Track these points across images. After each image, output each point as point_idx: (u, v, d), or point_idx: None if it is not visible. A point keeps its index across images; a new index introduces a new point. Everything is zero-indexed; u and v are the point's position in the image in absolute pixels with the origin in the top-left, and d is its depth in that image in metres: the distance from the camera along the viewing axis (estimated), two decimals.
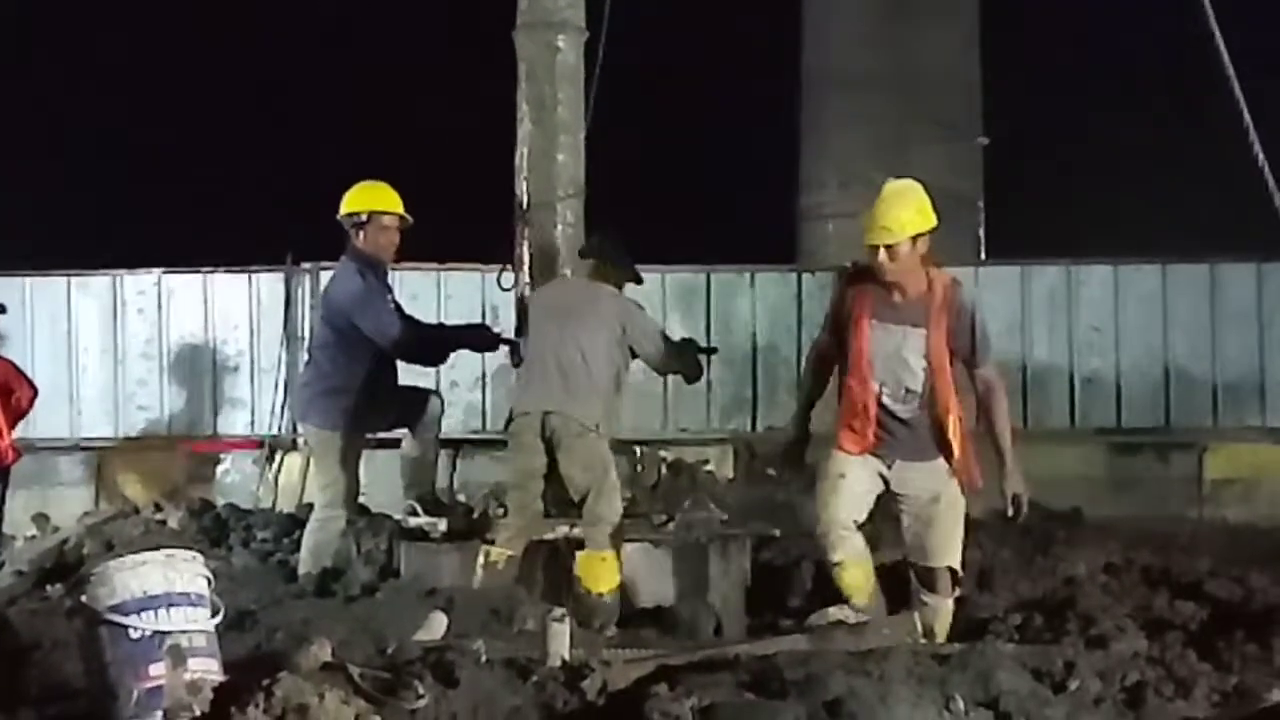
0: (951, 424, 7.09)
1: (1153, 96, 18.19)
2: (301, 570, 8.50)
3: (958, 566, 7.18)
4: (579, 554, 7.75)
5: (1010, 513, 7.21)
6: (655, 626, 7.66)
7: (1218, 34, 7.58)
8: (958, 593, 7.21)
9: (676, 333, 9.31)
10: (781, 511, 9.22)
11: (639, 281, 8.38)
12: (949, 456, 7.14)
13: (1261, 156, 7.63)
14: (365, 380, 8.43)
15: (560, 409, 7.80)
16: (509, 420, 8.04)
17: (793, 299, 12.73)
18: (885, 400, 7.04)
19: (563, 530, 8.02)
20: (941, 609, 7.09)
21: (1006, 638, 6.78)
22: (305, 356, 9.65)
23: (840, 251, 14.45)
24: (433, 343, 8.73)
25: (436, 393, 9.18)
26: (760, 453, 11.90)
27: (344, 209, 8.54)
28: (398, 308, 8.68)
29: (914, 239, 6.92)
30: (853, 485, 7.05)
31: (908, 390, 7.04)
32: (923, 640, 6.37)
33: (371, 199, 8.53)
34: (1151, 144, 17.79)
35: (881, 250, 6.94)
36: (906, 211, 6.95)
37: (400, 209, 8.57)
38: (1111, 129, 18.49)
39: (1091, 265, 12.55)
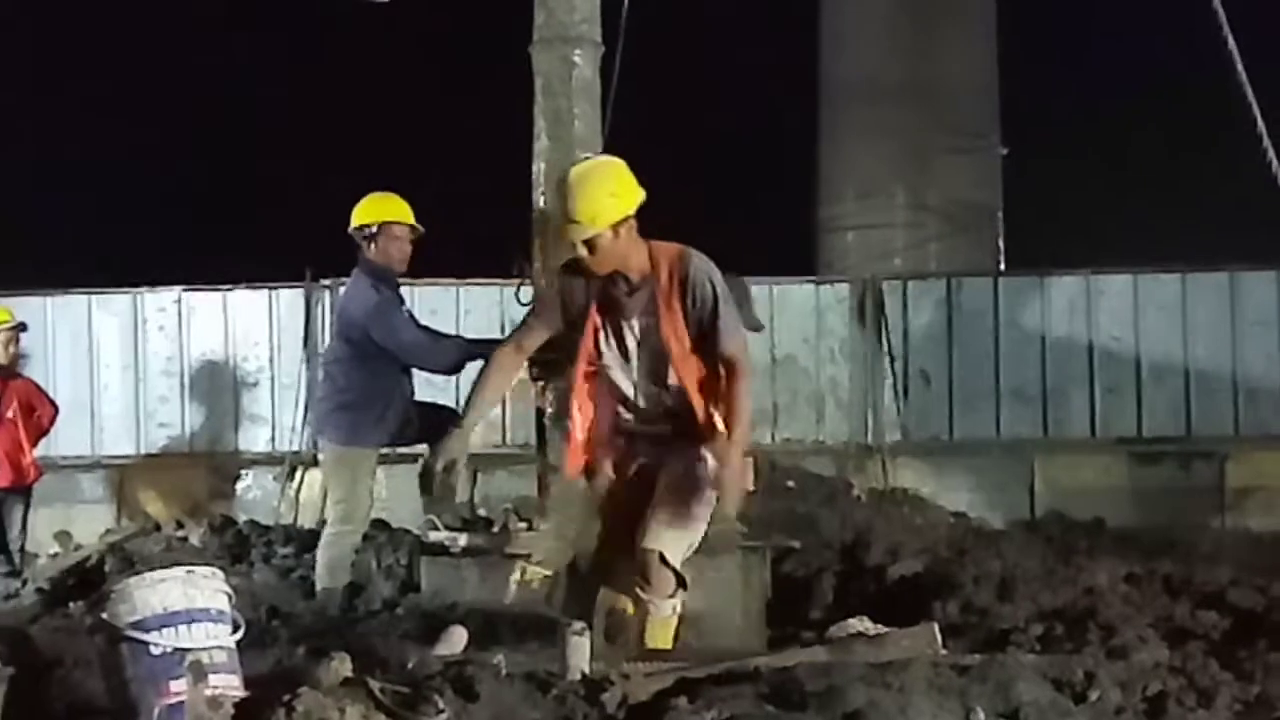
0: (708, 416, 6.20)
1: (1172, 104, 18.17)
2: (319, 586, 8.51)
3: (676, 564, 6.23)
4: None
5: (726, 509, 6.32)
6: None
7: (1231, 42, 7.57)
8: (678, 599, 6.32)
9: None
10: (801, 523, 9.23)
11: (758, 329, 8.13)
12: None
13: (1276, 164, 7.61)
14: (380, 395, 8.43)
15: None
16: None
17: (811, 311, 12.72)
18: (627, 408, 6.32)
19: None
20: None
21: (1027, 648, 6.75)
22: (321, 373, 9.67)
23: (860, 263, 14.49)
24: (448, 350, 8.73)
25: (455, 410, 9.17)
26: (780, 465, 11.89)
27: (354, 221, 8.56)
28: (412, 318, 8.70)
29: (615, 227, 6.03)
30: None
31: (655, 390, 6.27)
32: (943, 652, 6.36)
33: (381, 210, 8.55)
34: (1171, 152, 17.77)
35: (580, 246, 6.05)
36: (599, 199, 6.02)
37: (411, 218, 8.59)
38: (1130, 138, 18.48)
39: (1111, 275, 12.53)
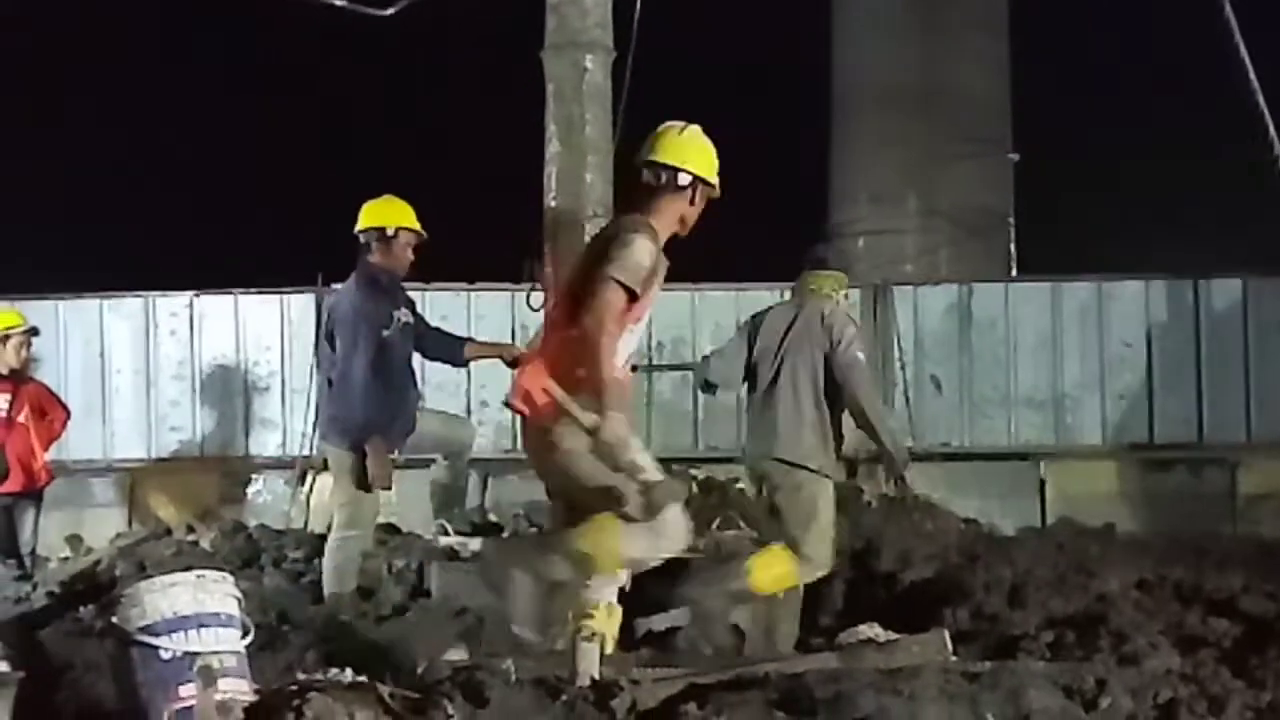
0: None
1: (1184, 108, 18.15)
2: (327, 591, 8.49)
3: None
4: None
5: None
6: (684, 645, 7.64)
7: (1243, 49, 7.56)
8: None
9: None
10: None
11: None
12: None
13: None
14: (382, 398, 8.41)
15: None
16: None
17: None
18: None
19: None
20: None
21: (1038, 655, 6.74)
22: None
23: (871, 268, 14.48)
24: (444, 339, 8.71)
25: (469, 420, 9.20)
26: None
27: (368, 223, 8.54)
28: (423, 321, 8.71)
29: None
30: None
31: None
32: (953, 659, 6.34)
33: (397, 214, 8.55)
34: (1184, 157, 17.75)
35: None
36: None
37: (418, 225, 8.62)
38: (1143, 143, 18.45)
39: (1123, 281, 12.52)
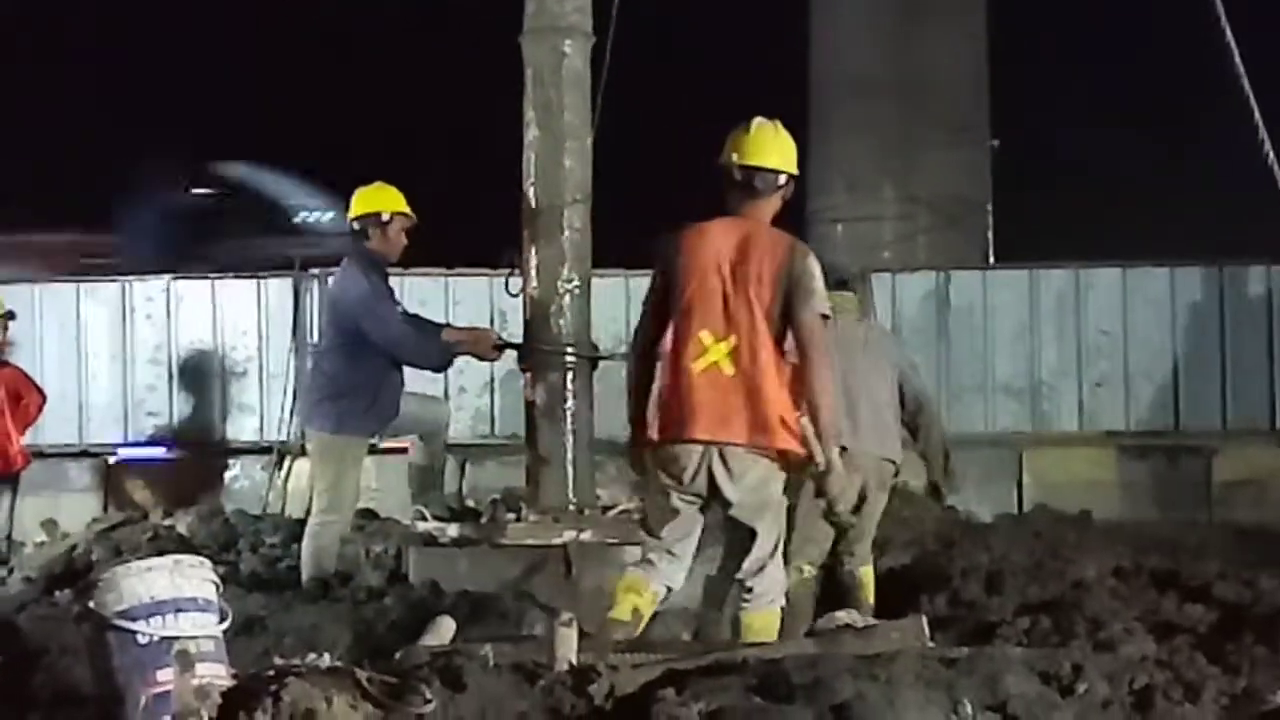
0: None
1: (1162, 97, 18.20)
2: (304, 576, 8.51)
3: None
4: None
5: None
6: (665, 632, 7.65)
7: (1229, 32, 7.57)
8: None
9: None
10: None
11: None
12: None
13: (1272, 156, 7.62)
14: (369, 384, 8.44)
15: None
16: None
17: None
18: None
19: (571, 534, 8.03)
20: None
21: (1015, 641, 6.76)
22: (310, 361, 9.67)
23: (849, 256, 14.48)
24: (434, 346, 8.73)
25: (443, 400, 9.21)
26: None
27: (363, 209, 8.57)
28: (404, 312, 8.71)
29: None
30: None
31: None
32: (931, 645, 6.36)
33: (389, 200, 8.59)
34: (1161, 145, 17.80)
35: None
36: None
37: (409, 210, 8.64)
38: (1120, 130, 18.50)
39: (1100, 268, 12.54)
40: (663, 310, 6.38)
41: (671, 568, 6.43)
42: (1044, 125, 18.35)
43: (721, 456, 6.23)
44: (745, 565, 6.41)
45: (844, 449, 6.72)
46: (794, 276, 6.26)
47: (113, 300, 12.65)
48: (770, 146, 6.46)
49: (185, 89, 19.33)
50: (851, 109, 15.75)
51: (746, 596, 6.43)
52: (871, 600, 7.77)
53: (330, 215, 17.06)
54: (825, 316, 6.34)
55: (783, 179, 6.46)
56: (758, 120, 6.49)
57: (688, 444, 6.25)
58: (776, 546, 6.46)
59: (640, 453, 6.56)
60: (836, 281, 8.00)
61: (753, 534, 6.36)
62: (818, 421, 6.27)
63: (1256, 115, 7.59)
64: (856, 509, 7.70)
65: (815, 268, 6.31)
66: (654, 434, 6.34)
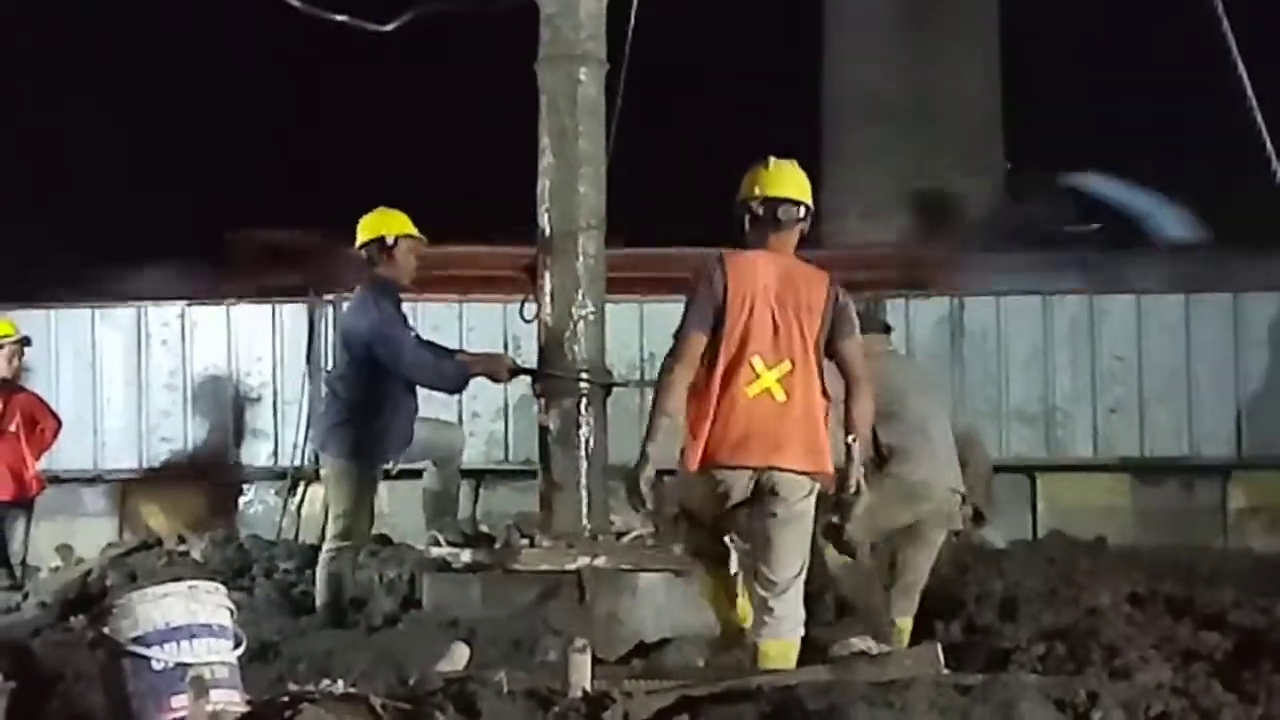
0: None
1: (1176, 123, 18.20)
2: (319, 602, 8.51)
3: None
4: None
5: None
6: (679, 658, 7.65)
7: (1241, 66, 7.58)
8: None
9: None
10: None
11: None
12: None
13: None
14: (384, 410, 8.45)
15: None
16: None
17: None
18: None
19: (585, 560, 8.03)
20: None
21: (1030, 668, 6.75)
22: (324, 387, 9.68)
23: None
24: (450, 370, 8.75)
25: (458, 425, 9.22)
26: None
27: (368, 234, 8.59)
28: (417, 336, 8.73)
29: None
30: None
31: None
32: (945, 672, 6.35)
33: (396, 223, 8.61)
34: (1175, 172, 17.78)
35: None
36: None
37: (417, 231, 8.67)
38: (1133, 156, 18.49)
39: (1114, 295, 12.53)
40: (704, 333, 6.42)
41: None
42: (1058, 149, 18.34)
43: (772, 480, 6.36)
44: (772, 585, 6.44)
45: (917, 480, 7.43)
46: (839, 308, 6.51)
47: (128, 326, 12.67)
48: (790, 180, 6.63)
49: None
50: (865, 136, 15.80)
51: (767, 620, 6.44)
52: None
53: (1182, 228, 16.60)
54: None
55: (802, 211, 6.62)
56: (773, 158, 6.66)
57: (739, 469, 6.38)
58: (802, 570, 6.52)
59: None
60: (883, 325, 8.16)
61: (782, 555, 6.43)
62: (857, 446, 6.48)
63: (1269, 147, 7.58)
64: (911, 543, 7.81)
65: (852, 302, 6.61)
66: (698, 458, 6.39)
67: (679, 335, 6.46)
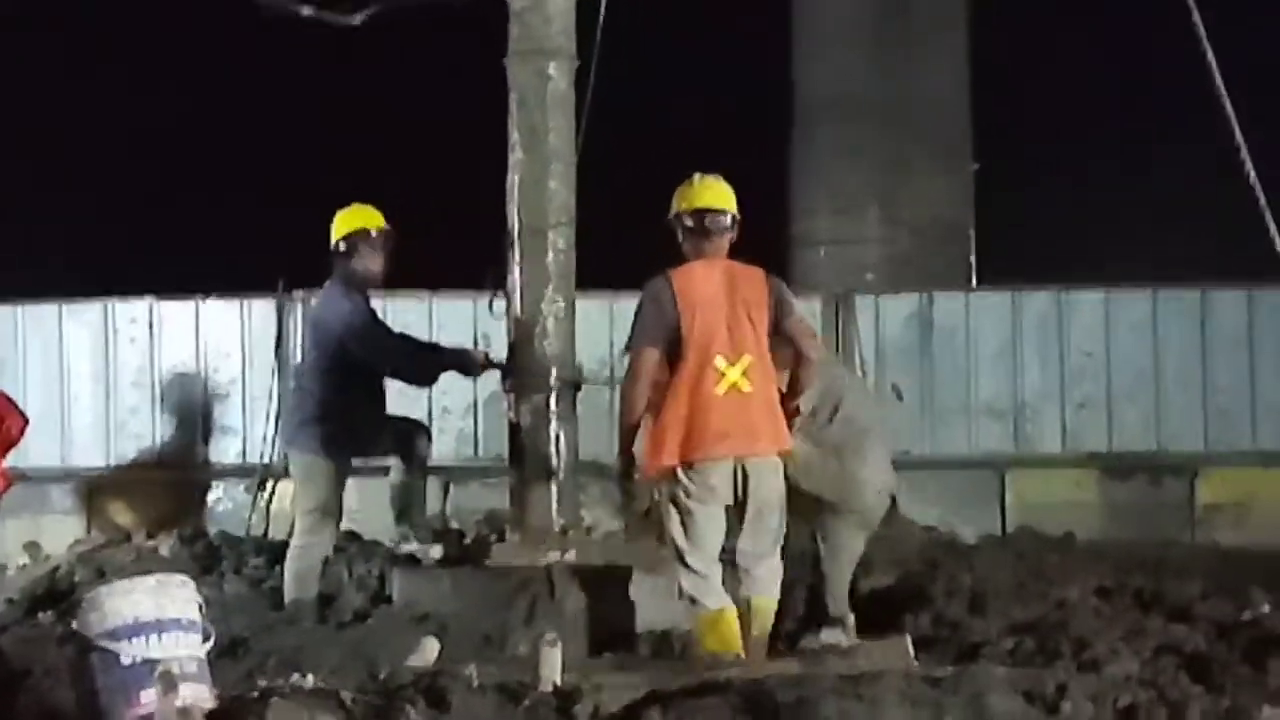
0: None
1: (1145, 120, 18.25)
2: (287, 598, 8.50)
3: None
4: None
5: None
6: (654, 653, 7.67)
7: (1210, 55, 7.60)
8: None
9: None
10: None
11: None
12: None
13: (1255, 179, 7.64)
14: (352, 406, 8.45)
15: None
16: None
17: None
18: None
19: (555, 556, 8.03)
20: None
21: (999, 661, 6.77)
22: (293, 383, 9.66)
23: (833, 278, 14.51)
24: (424, 362, 8.75)
25: (422, 423, 9.23)
26: None
27: (342, 230, 8.58)
28: (387, 330, 8.73)
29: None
30: None
31: None
32: (915, 664, 6.37)
33: (369, 219, 8.61)
34: (1144, 168, 17.85)
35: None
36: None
37: (388, 227, 8.66)
38: (1102, 153, 18.55)
39: (1082, 291, 12.57)
40: (656, 348, 7.05)
41: (719, 574, 7.12)
42: (1027, 148, 18.38)
43: (750, 466, 7.02)
44: (756, 552, 7.12)
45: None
46: (777, 295, 7.18)
47: (95, 322, 12.60)
48: (715, 191, 7.33)
49: None
50: (835, 132, 15.78)
51: (751, 582, 7.11)
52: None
53: None
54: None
55: (729, 219, 7.29)
56: (699, 174, 7.40)
57: (720, 461, 7.00)
58: (779, 538, 7.20)
59: (649, 478, 7.20)
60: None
61: (766, 526, 7.11)
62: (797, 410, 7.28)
63: (1239, 137, 7.61)
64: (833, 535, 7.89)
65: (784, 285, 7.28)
66: (675, 458, 6.99)
67: (631, 351, 7.15)
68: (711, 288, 7.07)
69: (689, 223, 7.25)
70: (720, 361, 6.97)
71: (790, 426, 7.21)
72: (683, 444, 6.97)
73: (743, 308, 7.05)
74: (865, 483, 7.77)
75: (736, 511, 7.10)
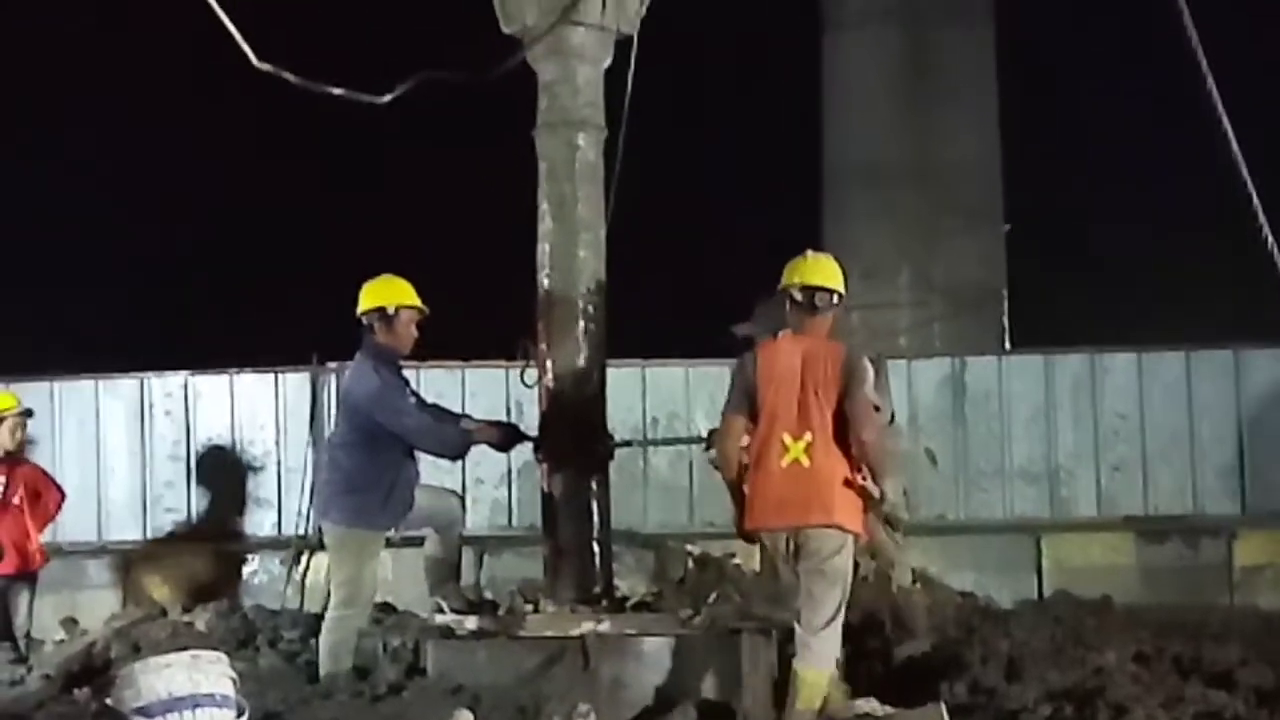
0: None
1: (1175, 180, 18.24)
2: (322, 671, 8.48)
3: None
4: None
5: None
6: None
7: (1226, 123, 7.61)
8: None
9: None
10: None
11: None
12: None
13: (1271, 239, 7.64)
14: (386, 478, 8.45)
15: None
16: None
17: None
18: None
19: (589, 626, 8.00)
20: None
21: None
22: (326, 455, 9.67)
23: (864, 342, 14.51)
24: (452, 437, 8.74)
25: (457, 493, 9.23)
26: None
27: (368, 304, 8.59)
28: (420, 400, 8.74)
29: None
30: None
31: None
32: None
33: (396, 293, 8.60)
34: (1175, 229, 17.82)
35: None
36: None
37: (419, 302, 8.66)
38: (1134, 214, 18.54)
39: (1116, 353, 12.55)
40: (740, 414, 7.44)
41: None
42: (1059, 211, 18.39)
43: (805, 537, 7.25)
44: (809, 623, 7.23)
45: None
46: (849, 369, 7.32)
47: (131, 396, 12.70)
48: (825, 270, 7.55)
49: None
50: (865, 197, 15.85)
51: (805, 653, 7.22)
52: None
53: None
54: (876, 408, 7.39)
55: (836, 298, 7.52)
56: (811, 251, 7.63)
57: (777, 530, 7.34)
58: (838, 613, 7.27)
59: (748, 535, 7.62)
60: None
61: (815, 600, 7.25)
62: (876, 482, 7.33)
63: (1255, 201, 7.60)
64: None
65: (867, 363, 7.39)
66: (751, 523, 7.44)
67: (723, 415, 7.57)
68: (790, 363, 7.34)
69: (798, 297, 7.47)
70: (786, 436, 7.26)
71: (866, 509, 7.39)
72: (749, 512, 7.40)
73: (813, 385, 7.28)
74: None
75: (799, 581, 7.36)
